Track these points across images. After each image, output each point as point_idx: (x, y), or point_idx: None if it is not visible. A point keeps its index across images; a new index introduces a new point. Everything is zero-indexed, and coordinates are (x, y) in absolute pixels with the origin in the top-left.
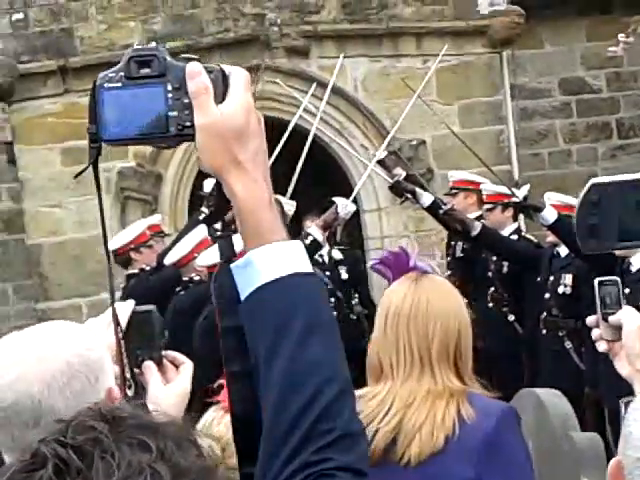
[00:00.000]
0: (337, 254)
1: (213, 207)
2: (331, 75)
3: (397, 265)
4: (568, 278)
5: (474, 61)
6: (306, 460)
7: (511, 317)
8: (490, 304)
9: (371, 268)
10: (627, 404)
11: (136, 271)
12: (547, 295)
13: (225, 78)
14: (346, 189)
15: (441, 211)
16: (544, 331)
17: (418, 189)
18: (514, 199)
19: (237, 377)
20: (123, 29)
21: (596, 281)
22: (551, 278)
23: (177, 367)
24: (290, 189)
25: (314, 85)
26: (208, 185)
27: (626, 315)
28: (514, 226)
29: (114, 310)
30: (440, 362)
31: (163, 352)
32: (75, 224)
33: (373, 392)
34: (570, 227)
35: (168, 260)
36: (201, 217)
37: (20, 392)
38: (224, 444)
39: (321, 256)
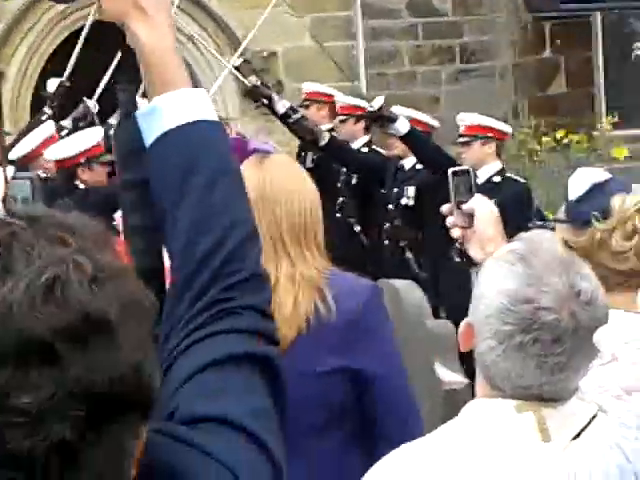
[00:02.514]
0: None
1: (57, 108)
2: None
3: (236, 151)
4: (411, 190)
5: None
6: (215, 297)
7: (357, 227)
8: (338, 214)
9: None
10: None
11: None
12: (390, 206)
13: None
14: None
15: (290, 120)
16: (386, 241)
17: (275, 95)
18: (369, 108)
19: (136, 230)
20: None
21: (450, 171)
22: (395, 190)
23: None
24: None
25: None
26: (52, 85)
27: (478, 202)
28: (366, 138)
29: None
30: (295, 245)
31: None
32: None
33: None
34: (421, 139)
35: (14, 155)
36: (44, 117)
37: None
38: None
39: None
